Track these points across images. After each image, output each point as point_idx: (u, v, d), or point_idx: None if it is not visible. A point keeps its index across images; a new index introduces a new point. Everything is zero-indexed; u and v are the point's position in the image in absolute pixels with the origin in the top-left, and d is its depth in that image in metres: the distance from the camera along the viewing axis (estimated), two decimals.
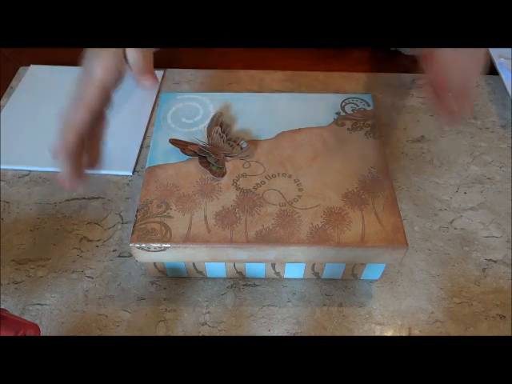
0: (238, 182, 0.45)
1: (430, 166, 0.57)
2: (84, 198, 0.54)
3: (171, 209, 0.43)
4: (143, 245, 0.41)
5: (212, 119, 0.50)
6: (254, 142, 0.48)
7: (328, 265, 0.45)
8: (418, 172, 0.56)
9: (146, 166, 0.47)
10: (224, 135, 0.48)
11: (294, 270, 0.46)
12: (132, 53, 0.44)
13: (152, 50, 0.47)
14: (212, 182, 0.45)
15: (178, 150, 0.47)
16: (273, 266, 0.45)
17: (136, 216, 0.42)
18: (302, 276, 0.47)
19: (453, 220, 0.52)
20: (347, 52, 0.70)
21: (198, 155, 0.47)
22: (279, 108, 0.52)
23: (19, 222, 0.52)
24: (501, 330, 0.44)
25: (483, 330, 0.44)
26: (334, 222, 0.42)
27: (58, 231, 0.51)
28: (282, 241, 0.40)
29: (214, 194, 0.44)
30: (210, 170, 0.45)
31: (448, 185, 0.55)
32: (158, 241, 0.40)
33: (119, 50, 0.43)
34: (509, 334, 0.44)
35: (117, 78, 0.42)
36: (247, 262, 0.44)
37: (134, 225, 0.42)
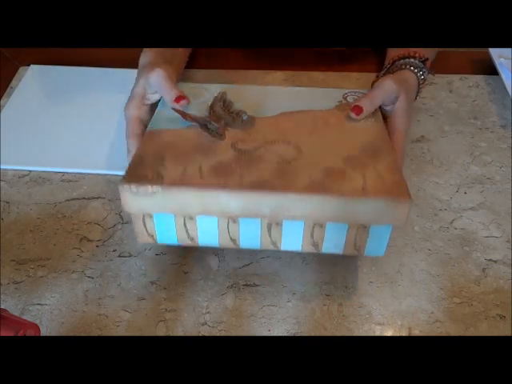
0: (237, 145, 0.44)
1: (430, 166, 0.57)
2: (84, 198, 0.54)
3: (166, 160, 0.42)
4: (133, 187, 0.39)
5: (216, 97, 0.50)
6: (255, 118, 0.48)
7: (328, 233, 0.42)
8: (418, 172, 0.56)
9: (146, 132, 0.46)
10: (226, 109, 0.48)
11: (292, 239, 0.43)
12: (155, 78, 0.49)
13: (178, 71, 0.54)
14: (211, 144, 0.44)
15: (180, 120, 0.46)
16: (269, 229, 0.42)
17: (129, 165, 0.41)
18: (300, 248, 0.44)
19: (453, 220, 0.52)
20: (348, 52, 0.70)
21: (199, 123, 0.46)
22: (282, 96, 0.52)
23: (19, 222, 0.52)
24: (501, 330, 0.44)
25: (483, 330, 0.44)
26: (334, 178, 0.40)
27: (58, 231, 0.51)
28: (278, 189, 0.39)
29: (212, 151, 0.43)
30: (210, 134, 0.44)
31: (448, 185, 0.55)
32: (148, 182, 0.39)
33: (141, 91, 0.50)
34: (509, 334, 0.44)
35: (146, 110, 0.51)
36: (240, 217, 0.42)
37: (126, 170, 0.40)
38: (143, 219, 0.43)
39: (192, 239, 0.44)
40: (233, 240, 0.44)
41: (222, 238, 0.43)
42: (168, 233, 0.44)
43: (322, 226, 0.42)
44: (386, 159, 0.43)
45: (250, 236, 0.43)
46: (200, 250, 0.50)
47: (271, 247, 0.44)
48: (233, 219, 0.42)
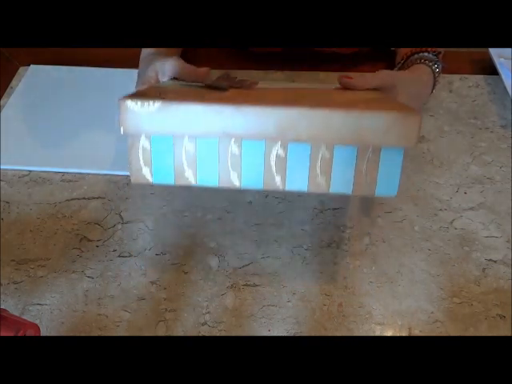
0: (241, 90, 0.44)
1: (430, 166, 0.57)
2: (84, 198, 0.54)
3: (168, 92, 0.41)
4: (133, 102, 0.37)
5: (220, 75, 0.50)
6: (258, 84, 0.49)
7: (336, 163, 0.40)
8: (418, 172, 0.56)
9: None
10: (231, 79, 0.49)
11: (298, 174, 0.40)
12: (172, 63, 0.50)
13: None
14: (213, 91, 0.44)
15: (185, 84, 0.47)
16: (273, 160, 0.40)
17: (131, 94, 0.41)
18: (306, 187, 0.41)
19: (453, 220, 0.52)
20: (349, 53, 0.70)
21: (205, 83, 0.46)
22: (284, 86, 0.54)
23: (19, 222, 0.52)
24: (501, 330, 0.44)
25: (483, 329, 0.44)
26: (340, 103, 0.40)
27: (58, 231, 0.51)
28: (283, 104, 0.38)
29: (214, 92, 0.43)
30: (214, 89, 0.44)
31: (448, 185, 0.55)
32: (151, 98, 0.38)
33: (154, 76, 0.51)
34: (509, 334, 0.44)
35: None
36: (244, 139, 0.40)
37: (128, 95, 0.39)
38: (140, 149, 0.40)
39: (190, 175, 0.41)
40: (234, 177, 0.41)
41: (222, 173, 0.41)
42: (165, 168, 0.41)
43: (329, 153, 0.39)
44: (393, 103, 0.42)
45: (253, 171, 0.41)
46: (200, 249, 0.50)
47: (275, 186, 0.41)
48: (236, 142, 0.40)
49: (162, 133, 0.39)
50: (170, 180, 0.41)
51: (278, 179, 0.40)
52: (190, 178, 0.41)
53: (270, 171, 0.40)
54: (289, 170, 0.40)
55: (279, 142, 0.39)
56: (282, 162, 0.40)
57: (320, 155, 0.40)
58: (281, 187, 0.41)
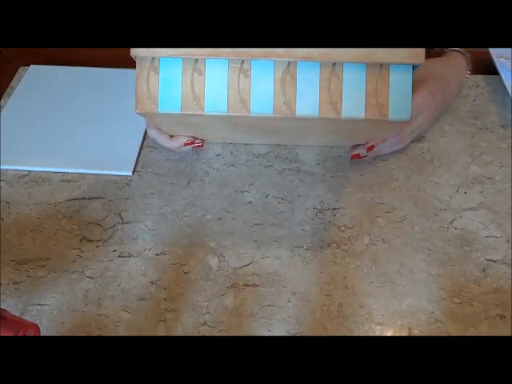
0: None
1: (429, 166, 0.57)
2: (84, 198, 0.54)
3: None
4: None
5: None
6: None
7: (346, 83, 0.38)
8: (417, 172, 0.56)
9: None
10: None
11: (308, 98, 0.39)
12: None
13: None
14: None
15: None
16: (282, 83, 0.38)
17: None
18: (317, 113, 0.39)
19: (453, 220, 0.52)
20: None
21: None
22: None
23: (19, 222, 0.52)
24: (501, 330, 0.44)
25: (483, 329, 0.44)
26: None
27: (58, 231, 0.51)
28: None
29: None
30: None
31: (448, 185, 0.55)
32: None
33: None
34: (509, 334, 0.44)
35: None
36: (253, 59, 0.38)
37: None
38: (148, 75, 0.39)
39: (198, 102, 0.39)
40: (243, 102, 0.39)
41: (231, 98, 0.39)
42: (171, 95, 0.39)
43: (338, 72, 0.38)
44: None
45: (262, 95, 0.39)
46: (200, 249, 0.50)
47: (285, 112, 0.39)
48: (245, 63, 0.38)
49: (172, 54, 0.38)
50: (176, 108, 0.40)
51: (287, 103, 0.39)
52: (198, 105, 0.39)
53: (280, 97, 0.39)
54: (299, 92, 0.38)
55: (289, 62, 0.38)
56: (291, 84, 0.38)
57: (329, 75, 0.38)
58: (291, 113, 0.39)
